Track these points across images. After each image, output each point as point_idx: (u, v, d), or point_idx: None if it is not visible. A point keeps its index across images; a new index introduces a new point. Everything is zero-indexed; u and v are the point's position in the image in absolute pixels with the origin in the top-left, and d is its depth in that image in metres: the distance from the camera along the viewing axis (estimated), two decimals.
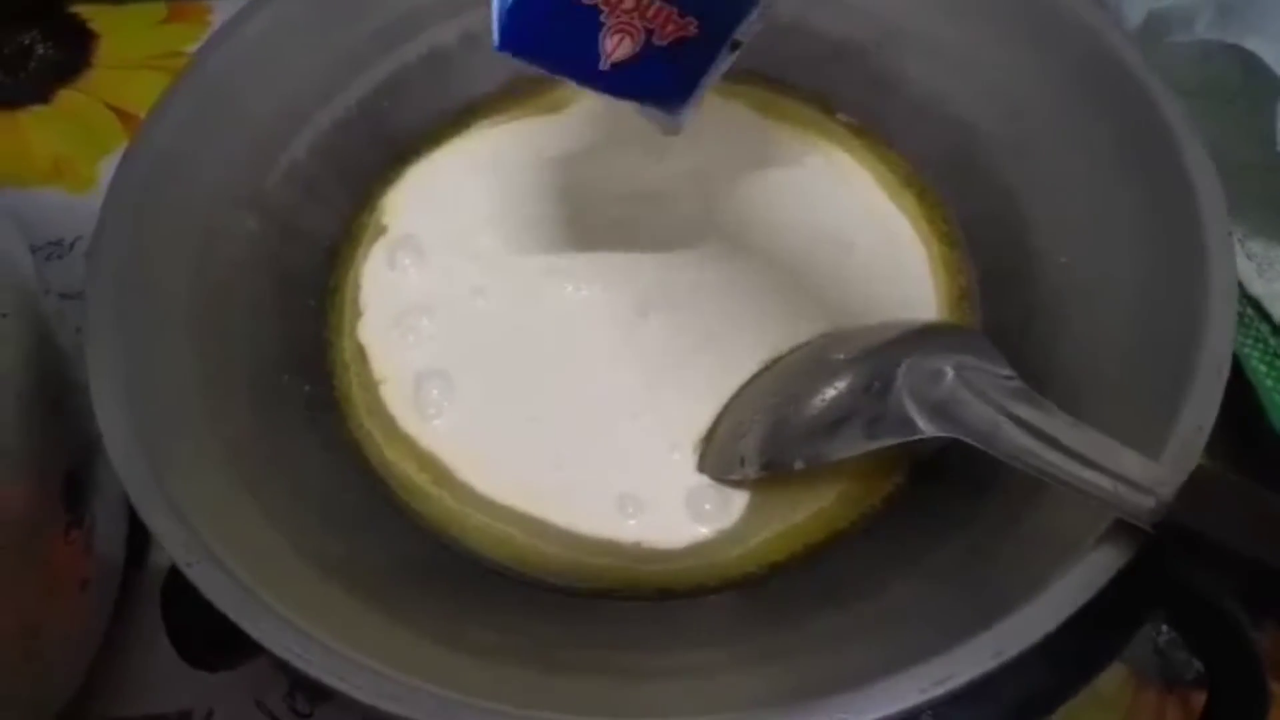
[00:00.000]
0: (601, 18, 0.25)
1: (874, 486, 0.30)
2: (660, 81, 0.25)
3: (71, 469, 0.31)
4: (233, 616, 0.23)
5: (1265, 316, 0.35)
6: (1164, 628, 0.34)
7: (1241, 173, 0.37)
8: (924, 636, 0.24)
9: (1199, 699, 0.33)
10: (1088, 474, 0.23)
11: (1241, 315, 0.35)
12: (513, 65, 0.39)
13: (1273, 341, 0.34)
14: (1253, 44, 0.32)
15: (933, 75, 0.37)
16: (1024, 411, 0.25)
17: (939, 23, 0.37)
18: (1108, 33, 0.33)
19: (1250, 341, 0.35)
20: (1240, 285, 0.35)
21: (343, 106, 0.37)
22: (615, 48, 0.25)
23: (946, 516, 0.28)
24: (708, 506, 0.30)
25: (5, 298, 0.28)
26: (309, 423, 0.31)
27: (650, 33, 0.25)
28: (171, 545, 0.24)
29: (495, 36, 0.25)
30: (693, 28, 0.25)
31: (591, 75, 0.25)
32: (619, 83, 0.25)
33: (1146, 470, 0.23)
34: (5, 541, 0.27)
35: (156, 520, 0.24)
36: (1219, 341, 0.26)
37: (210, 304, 0.31)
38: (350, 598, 0.25)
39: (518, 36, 0.25)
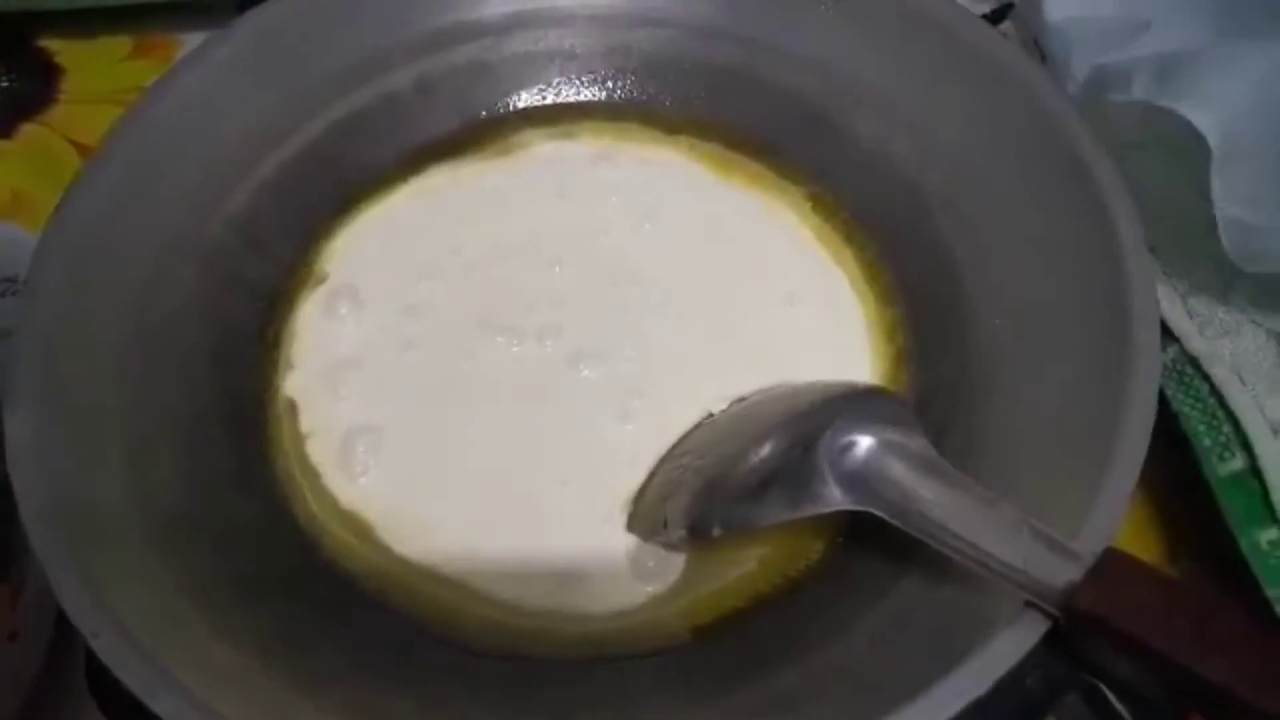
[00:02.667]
0: None
1: (796, 553, 0.30)
2: None
3: None
4: (138, 693, 0.22)
5: (1204, 376, 0.35)
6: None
7: (1185, 228, 0.37)
8: (840, 712, 0.24)
9: None
10: (997, 556, 0.23)
11: (1181, 373, 0.35)
12: (465, 110, 0.40)
13: (1210, 401, 0.34)
14: (1186, 109, 0.32)
15: (879, 132, 0.37)
16: (937, 488, 0.25)
17: (888, 80, 0.37)
18: (1050, 98, 0.33)
19: (1190, 400, 0.35)
20: (1180, 343, 0.36)
21: (290, 151, 0.37)
22: None
23: (866, 588, 0.28)
24: (650, 564, 0.30)
25: None
26: (238, 478, 0.31)
27: None
28: (77, 615, 0.24)
29: None
30: None
31: None
32: None
33: (1056, 554, 0.23)
34: None
35: (64, 588, 0.24)
36: (1138, 427, 0.26)
37: (144, 355, 0.31)
38: (265, 668, 0.25)
39: None
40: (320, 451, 0.32)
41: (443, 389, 0.33)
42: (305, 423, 0.32)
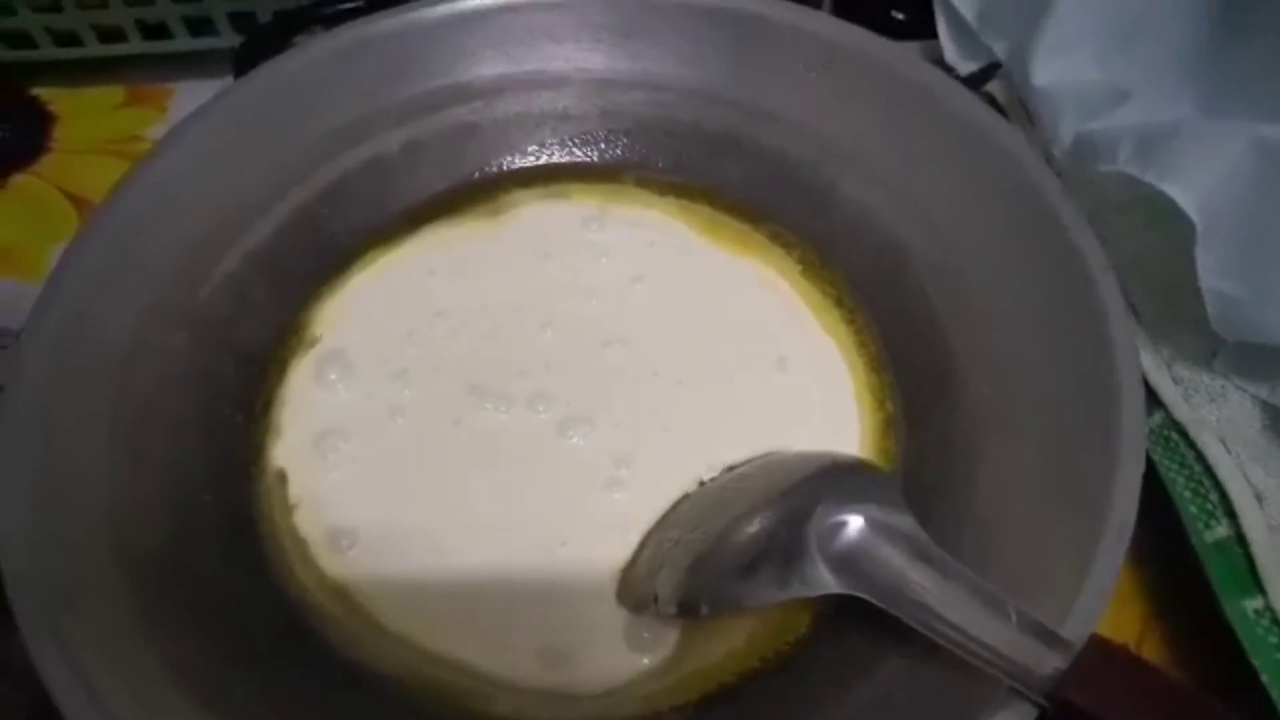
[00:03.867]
0: None
1: (784, 628, 0.30)
2: None
3: None
4: None
5: (1190, 443, 0.35)
6: None
7: (1170, 292, 0.38)
8: None
9: None
10: (984, 641, 0.23)
11: (1167, 439, 0.35)
12: (454, 172, 0.40)
13: (1196, 468, 0.35)
14: (1169, 187, 0.32)
15: (867, 196, 0.37)
16: (926, 573, 0.25)
17: (875, 145, 0.37)
18: (1032, 166, 0.34)
19: (1176, 467, 0.35)
20: (1166, 409, 0.36)
21: (281, 216, 0.37)
22: None
23: (851, 668, 0.28)
24: (645, 635, 0.30)
25: None
26: (226, 545, 0.31)
27: None
28: (57, 689, 0.24)
29: None
30: None
31: None
32: None
33: (1041, 641, 0.23)
34: None
35: (45, 661, 0.24)
36: (1124, 506, 0.26)
37: (134, 421, 0.31)
38: None
39: None
40: (309, 523, 0.32)
41: (431, 458, 0.33)
42: (294, 492, 0.32)
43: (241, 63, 0.40)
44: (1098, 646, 0.23)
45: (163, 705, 0.25)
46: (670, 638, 0.30)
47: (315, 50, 0.37)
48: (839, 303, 0.37)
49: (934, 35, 0.49)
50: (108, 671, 0.24)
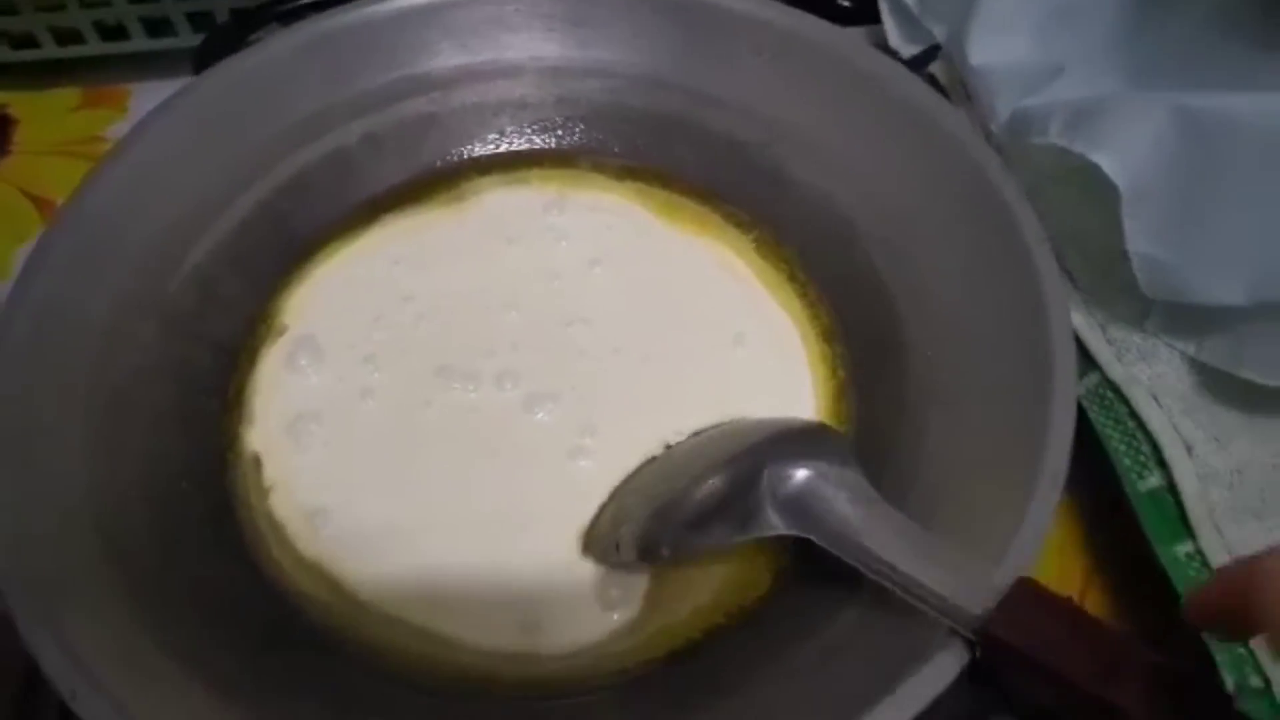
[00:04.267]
0: None
1: (746, 587, 0.31)
2: None
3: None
4: None
5: (1124, 399, 0.37)
6: None
7: (1102, 258, 0.39)
8: None
9: None
10: (919, 581, 0.25)
11: (1102, 398, 0.37)
12: (415, 162, 0.41)
13: (1130, 423, 0.36)
14: (1096, 156, 0.34)
15: (816, 176, 0.39)
16: (866, 517, 0.27)
17: (820, 126, 0.39)
18: (972, 143, 0.36)
19: (1110, 423, 0.37)
20: (1101, 369, 0.38)
21: (245, 208, 0.38)
22: None
23: (808, 620, 0.29)
24: (614, 592, 0.31)
25: None
26: (207, 531, 0.32)
27: None
28: (55, 675, 0.24)
29: None
30: None
31: None
32: None
33: (974, 582, 0.25)
34: None
35: (41, 649, 0.25)
36: (1056, 458, 0.28)
37: (108, 414, 0.32)
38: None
39: None
40: (285, 505, 0.33)
41: (402, 437, 0.34)
42: (269, 476, 0.33)
43: (202, 61, 0.40)
44: (1027, 588, 0.24)
45: (165, 689, 0.26)
46: (637, 595, 0.31)
47: (275, 46, 0.38)
48: (791, 278, 0.38)
49: (878, 20, 0.51)
50: (108, 660, 0.25)
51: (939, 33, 0.47)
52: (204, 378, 0.35)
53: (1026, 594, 0.24)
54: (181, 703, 0.26)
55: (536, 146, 0.42)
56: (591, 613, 0.31)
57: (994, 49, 0.43)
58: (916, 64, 0.47)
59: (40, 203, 0.50)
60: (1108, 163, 0.34)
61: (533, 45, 0.41)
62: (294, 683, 0.29)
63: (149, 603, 0.28)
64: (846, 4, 0.54)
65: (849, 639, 0.28)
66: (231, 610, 0.30)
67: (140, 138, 0.36)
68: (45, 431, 0.30)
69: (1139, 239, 0.35)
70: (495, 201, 0.41)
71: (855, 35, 0.46)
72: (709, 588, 0.31)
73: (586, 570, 0.32)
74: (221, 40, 0.41)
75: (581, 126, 0.42)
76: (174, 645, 0.27)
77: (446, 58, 0.41)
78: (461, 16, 0.40)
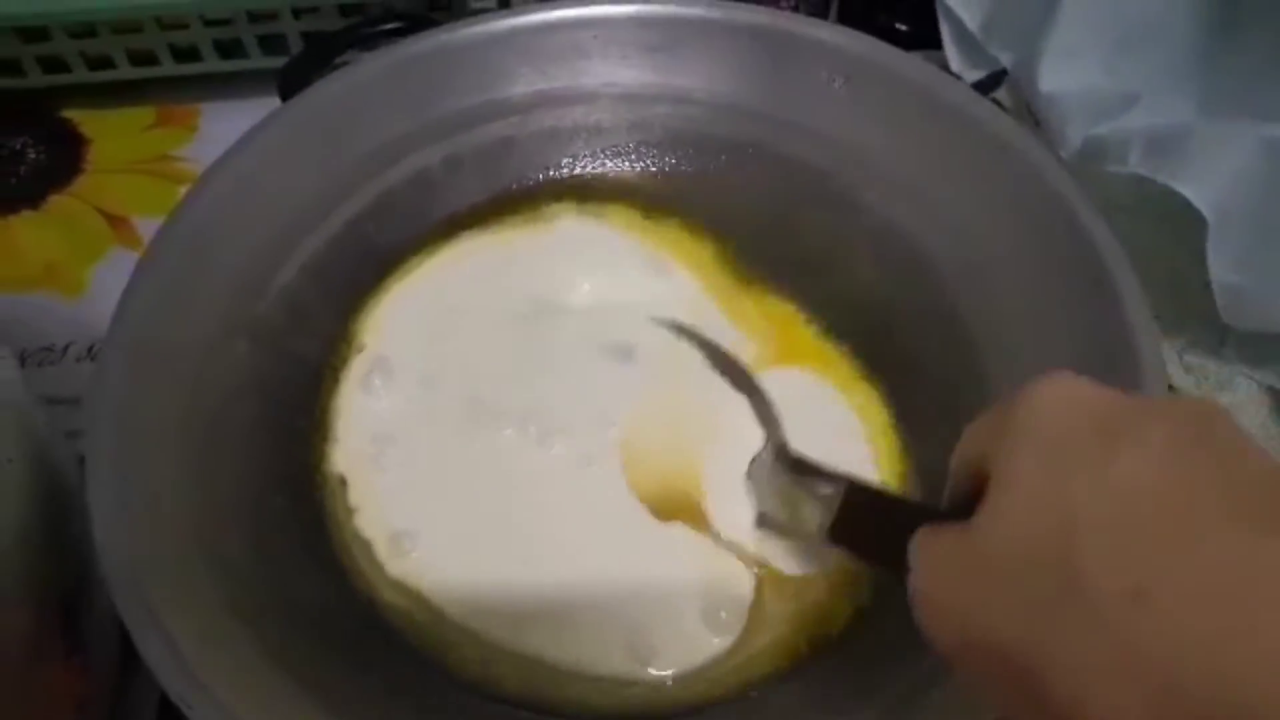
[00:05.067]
0: None
1: (826, 617, 0.32)
2: None
3: (67, 596, 0.32)
4: None
5: None
6: None
7: (1176, 288, 0.40)
8: None
9: None
10: None
11: None
12: (492, 185, 0.42)
13: None
14: (1182, 186, 0.34)
15: (889, 202, 0.39)
16: None
17: (898, 152, 0.39)
18: (1050, 170, 0.36)
19: None
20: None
21: (332, 228, 0.39)
22: None
23: (893, 652, 0.29)
24: (723, 615, 0.32)
25: (9, 442, 0.29)
26: (301, 545, 0.32)
27: None
28: (171, 688, 0.25)
29: None
30: None
31: None
32: None
33: None
34: (9, 665, 0.29)
35: (160, 666, 0.25)
36: None
37: (205, 431, 0.33)
38: None
39: None
40: (370, 525, 0.33)
41: (485, 459, 0.34)
42: (354, 496, 0.34)
43: (285, 83, 0.41)
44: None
45: (264, 689, 0.26)
46: (740, 619, 0.32)
47: (361, 70, 0.39)
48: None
49: (937, 46, 0.51)
50: (215, 666, 0.26)
51: (1004, 58, 0.48)
52: (292, 396, 0.36)
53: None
54: (284, 711, 0.27)
55: (610, 170, 0.42)
56: (698, 636, 0.31)
57: (1065, 75, 0.43)
58: (981, 89, 0.47)
59: (114, 220, 0.51)
60: (1194, 193, 0.34)
61: (608, 71, 0.42)
62: (388, 696, 0.29)
63: (251, 615, 0.29)
64: (904, 28, 0.54)
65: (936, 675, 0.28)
66: (326, 622, 0.30)
67: (233, 160, 0.36)
68: (149, 446, 0.31)
69: (1222, 268, 0.35)
70: (567, 226, 0.41)
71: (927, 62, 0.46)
72: (789, 619, 0.31)
73: (694, 592, 0.32)
74: (306, 63, 0.42)
75: (654, 152, 0.43)
76: (275, 653, 0.28)
77: (525, 83, 0.41)
78: (540, 43, 0.41)
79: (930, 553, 0.22)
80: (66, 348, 0.46)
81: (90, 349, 0.46)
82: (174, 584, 0.28)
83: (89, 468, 0.29)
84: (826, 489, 0.29)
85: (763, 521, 0.33)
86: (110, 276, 0.49)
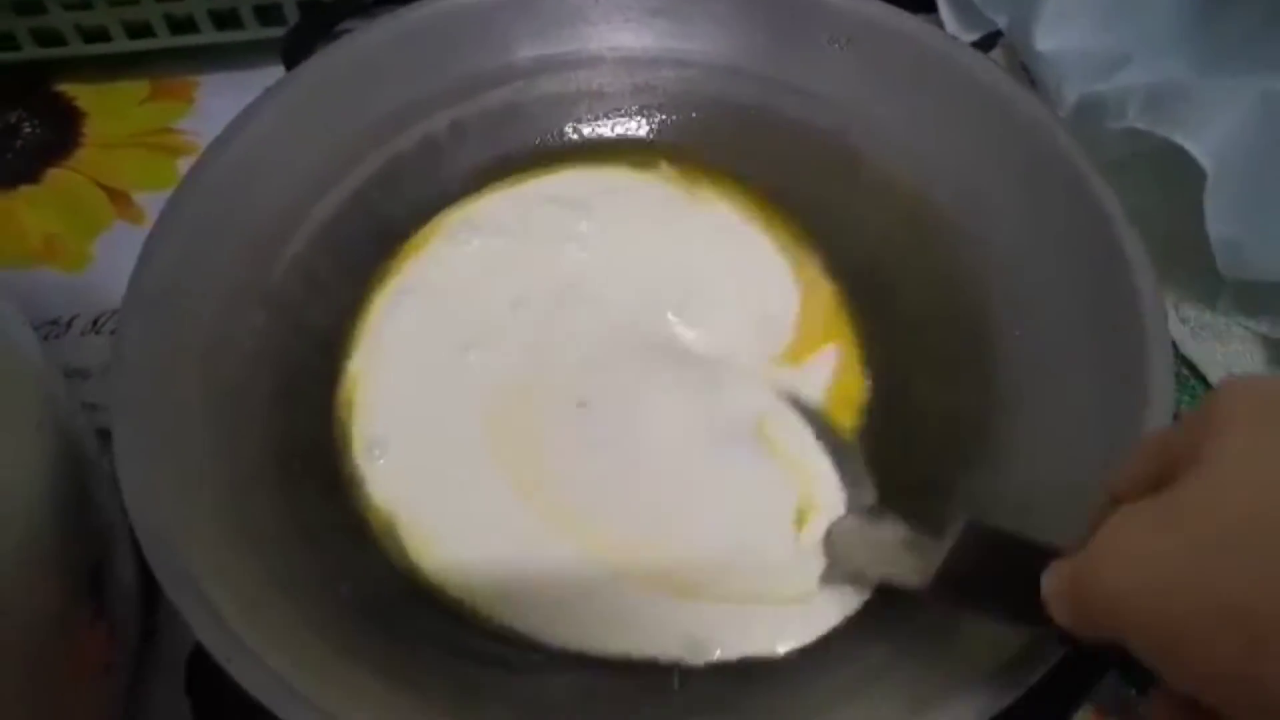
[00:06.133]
0: None
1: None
2: None
3: (92, 564, 0.32)
4: (276, 711, 0.24)
5: (1200, 377, 0.38)
6: None
7: (1170, 242, 0.40)
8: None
9: None
10: None
11: (1178, 375, 0.38)
12: (498, 149, 0.42)
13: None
14: (1181, 138, 0.35)
15: (893, 161, 0.40)
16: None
17: (901, 112, 0.40)
18: (1050, 125, 0.36)
19: (1186, 399, 0.38)
20: (1175, 347, 0.39)
21: (341, 197, 0.39)
22: None
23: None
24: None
25: (32, 410, 0.29)
26: (328, 507, 0.33)
27: None
28: (211, 644, 0.26)
29: None
30: None
31: None
32: None
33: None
34: (39, 632, 0.29)
35: (195, 618, 0.26)
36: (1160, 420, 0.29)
37: (227, 400, 0.33)
38: (382, 683, 0.27)
39: None
40: (395, 498, 0.33)
41: (507, 430, 0.35)
42: (379, 465, 0.34)
43: (289, 52, 0.41)
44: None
45: (304, 646, 0.27)
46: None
47: (367, 37, 0.39)
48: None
49: (931, 9, 0.51)
50: (252, 624, 0.26)
51: (999, 20, 0.48)
52: (310, 365, 0.36)
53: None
54: (321, 666, 0.27)
55: (614, 134, 0.43)
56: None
57: (1060, 36, 0.44)
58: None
59: (113, 193, 0.51)
60: (1193, 144, 0.35)
61: (611, 36, 0.42)
62: (418, 646, 0.30)
63: (286, 579, 0.29)
64: None
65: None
66: (362, 583, 0.31)
67: (241, 130, 0.36)
68: (171, 415, 0.31)
69: (1219, 220, 0.36)
70: (572, 185, 0.41)
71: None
72: None
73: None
74: (308, 31, 0.41)
75: (658, 116, 0.43)
76: (309, 613, 0.29)
77: (529, 48, 0.41)
78: (544, 8, 0.41)
79: (1126, 532, 0.21)
80: (71, 321, 0.46)
81: (95, 322, 0.46)
82: (209, 552, 0.28)
83: (116, 437, 0.29)
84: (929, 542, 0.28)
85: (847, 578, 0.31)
86: (112, 250, 0.49)
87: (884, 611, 0.30)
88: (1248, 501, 0.20)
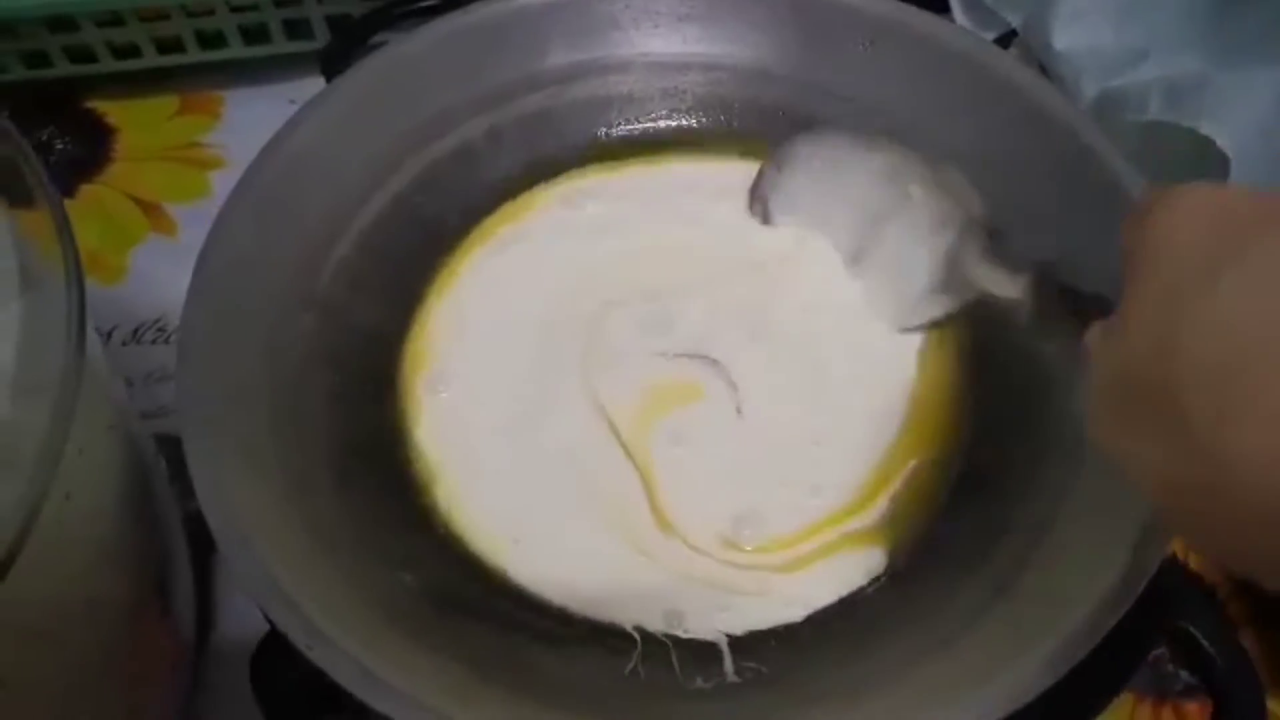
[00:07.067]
0: None
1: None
2: None
3: (159, 566, 0.33)
4: (358, 694, 0.25)
5: None
6: None
7: None
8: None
9: (1189, 708, 0.38)
10: None
11: None
12: (533, 154, 0.43)
13: None
14: (1206, 128, 0.36)
15: None
16: None
17: (931, 115, 0.41)
18: (1084, 127, 0.37)
19: None
20: None
21: (382, 202, 0.40)
22: None
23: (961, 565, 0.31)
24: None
25: (104, 412, 0.30)
26: (391, 502, 0.34)
27: None
28: (292, 632, 0.26)
29: None
30: None
31: None
32: None
33: None
34: (120, 627, 0.30)
35: (276, 610, 0.27)
36: None
37: (285, 396, 0.34)
38: (453, 666, 0.28)
39: None
40: (450, 493, 0.34)
41: (554, 428, 0.36)
42: (433, 462, 0.35)
43: (327, 63, 0.42)
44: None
45: (377, 633, 0.28)
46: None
47: (406, 48, 0.40)
48: None
49: (944, 9, 0.53)
50: (329, 612, 0.27)
51: (1013, 19, 0.49)
52: (361, 366, 0.37)
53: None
54: (397, 653, 0.28)
55: (644, 136, 0.44)
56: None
57: (1076, 33, 0.45)
58: None
59: (147, 207, 0.52)
60: (1219, 134, 0.36)
61: (641, 42, 0.43)
62: (492, 636, 0.31)
63: (355, 573, 0.30)
64: None
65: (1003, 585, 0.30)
66: (430, 574, 0.32)
67: (286, 140, 0.37)
68: (235, 419, 0.32)
69: None
70: (599, 189, 0.42)
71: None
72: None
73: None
74: (348, 42, 0.43)
75: (686, 118, 0.44)
76: (378, 601, 0.29)
77: (560, 55, 0.43)
78: (575, 15, 0.42)
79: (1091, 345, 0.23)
80: (111, 332, 0.47)
81: (135, 332, 0.47)
82: (279, 546, 0.29)
83: (186, 439, 0.30)
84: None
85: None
86: (148, 262, 0.50)
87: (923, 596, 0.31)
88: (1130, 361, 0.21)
